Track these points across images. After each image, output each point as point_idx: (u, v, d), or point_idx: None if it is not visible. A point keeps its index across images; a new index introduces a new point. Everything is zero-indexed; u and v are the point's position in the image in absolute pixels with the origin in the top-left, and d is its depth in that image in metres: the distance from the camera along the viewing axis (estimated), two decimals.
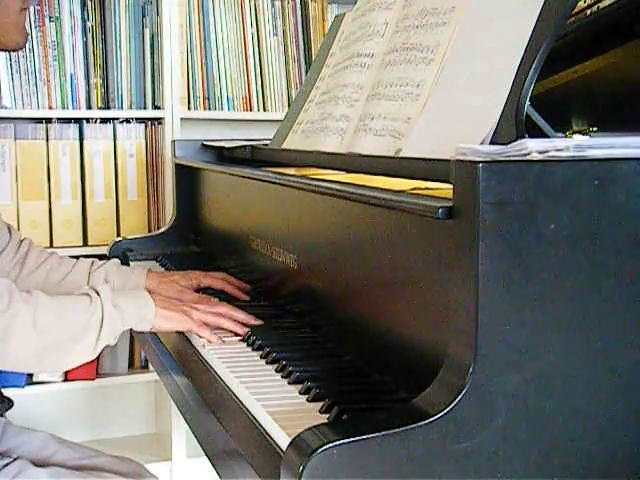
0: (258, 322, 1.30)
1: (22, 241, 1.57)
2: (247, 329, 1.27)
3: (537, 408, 0.78)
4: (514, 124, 0.94)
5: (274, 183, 1.36)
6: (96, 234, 2.39)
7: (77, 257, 1.59)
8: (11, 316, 1.13)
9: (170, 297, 1.36)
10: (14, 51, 1.56)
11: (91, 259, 1.58)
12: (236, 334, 1.26)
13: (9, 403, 1.69)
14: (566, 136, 1.17)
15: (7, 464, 1.39)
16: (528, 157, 0.78)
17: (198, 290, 1.51)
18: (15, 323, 1.13)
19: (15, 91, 2.33)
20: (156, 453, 2.51)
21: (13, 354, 1.15)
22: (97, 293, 1.22)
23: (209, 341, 1.24)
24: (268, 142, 1.68)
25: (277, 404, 0.94)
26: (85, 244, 2.40)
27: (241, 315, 1.30)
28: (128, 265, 1.74)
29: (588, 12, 1.40)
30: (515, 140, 0.80)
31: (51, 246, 2.33)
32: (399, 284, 0.96)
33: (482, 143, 0.95)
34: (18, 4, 1.44)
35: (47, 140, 2.34)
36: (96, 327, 1.18)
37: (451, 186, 0.80)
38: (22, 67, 2.33)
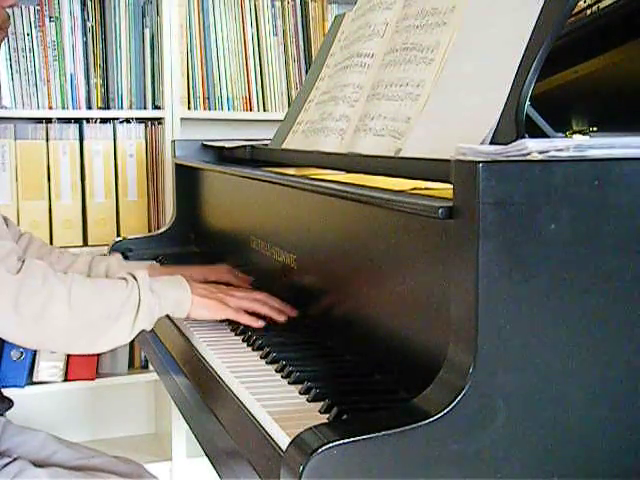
0: (294, 312, 1.28)
1: (22, 235, 1.57)
2: (284, 316, 1.26)
3: (537, 408, 0.78)
4: (514, 124, 0.94)
5: (274, 183, 1.36)
6: (96, 234, 2.39)
7: None
8: (46, 295, 1.14)
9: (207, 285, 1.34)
10: None
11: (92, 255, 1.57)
12: (272, 320, 1.26)
13: (9, 403, 1.69)
14: (566, 136, 1.17)
15: (7, 464, 1.39)
16: (528, 157, 0.78)
17: None
18: (50, 302, 1.14)
19: (15, 91, 2.33)
20: (156, 453, 2.51)
21: (48, 332, 1.16)
22: (134, 278, 1.22)
23: (250, 326, 1.24)
24: (268, 142, 1.68)
25: (277, 404, 0.94)
26: (85, 244, 2.40)
27: (277, 303, 1.29)
28: None
29: (588, 12, 1.40)
30: (515, 140, 0.80)
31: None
32: (399, 284, 0.96)
33: (482, 143, 0.95)
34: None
35: (47, 140, 2.34)
36: (133, 309, 1.18)
37: (451, 186, 0.80)
38: (22, 67, 2.33)
